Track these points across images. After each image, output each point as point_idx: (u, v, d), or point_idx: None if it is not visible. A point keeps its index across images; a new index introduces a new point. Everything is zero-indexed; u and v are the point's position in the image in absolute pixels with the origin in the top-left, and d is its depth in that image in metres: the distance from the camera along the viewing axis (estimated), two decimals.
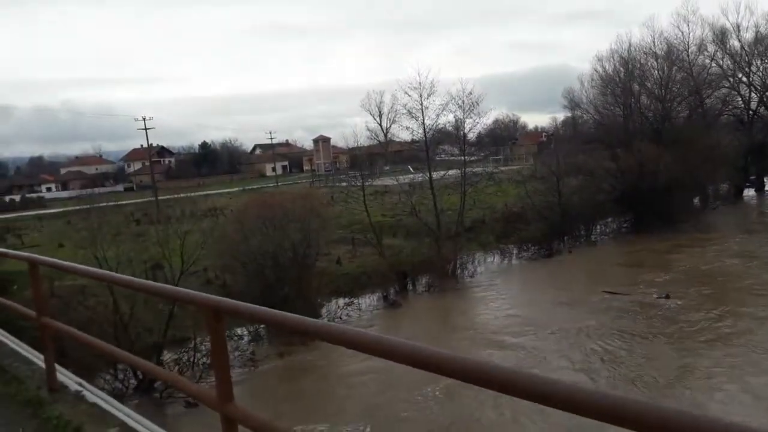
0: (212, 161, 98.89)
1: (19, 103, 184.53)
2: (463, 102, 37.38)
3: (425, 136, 37.13)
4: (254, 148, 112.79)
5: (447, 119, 38.97)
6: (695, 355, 17.73)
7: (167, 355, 17.27)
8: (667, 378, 16.24)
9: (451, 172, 37.30)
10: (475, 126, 40.46)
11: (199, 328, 16.38)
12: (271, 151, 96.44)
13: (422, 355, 1.85)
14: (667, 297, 23.66)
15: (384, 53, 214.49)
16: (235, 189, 64.99)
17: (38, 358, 5.79)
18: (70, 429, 4.01)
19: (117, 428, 3.96)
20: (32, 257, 4.98)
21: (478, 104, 37.55)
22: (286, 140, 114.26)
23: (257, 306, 2.89)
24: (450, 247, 30.43)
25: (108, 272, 5.28)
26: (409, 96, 36.25)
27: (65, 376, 5.04)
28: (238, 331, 20.29)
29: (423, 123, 36.51)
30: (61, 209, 50.84)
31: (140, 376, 15.52)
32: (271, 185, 63.81)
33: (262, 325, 20.00)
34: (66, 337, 5.03)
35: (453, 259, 30.05)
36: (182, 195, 41.34)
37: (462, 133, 39.52)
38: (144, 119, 67.56)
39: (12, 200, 69.24)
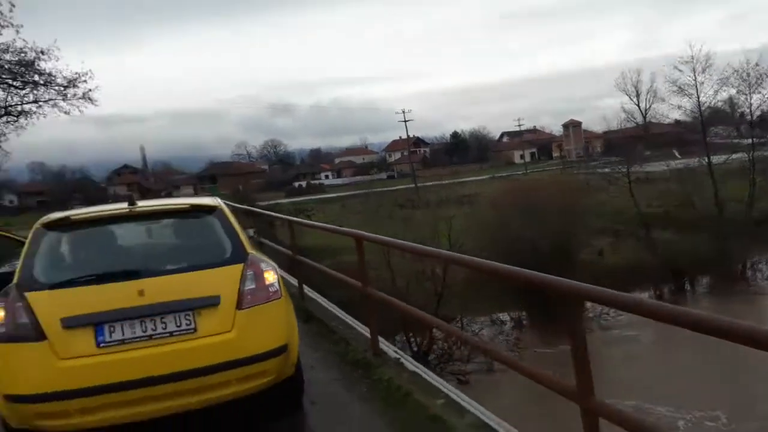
0: (463, 150, 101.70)
1: (300, 101, 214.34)
2: (749, 75, 31.98)
3: (701, 115, 32.75)
4: (502, 136, 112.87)
5: (723, 96, 34.02)
6: None
7: (436, 333, 18.08)
8: None
9: (734, 155, 32.18)
10: (764, 103, 34.49)
11: (466, 309, 16.85)
12: (519, 138, 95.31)
13: None
14: None
15: (638, 28, 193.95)
16: (485, 176, 65.73)
17: (354, 323, 6.45)
18: (400, 394, 4.29)
19: (443, 400, 4.10)
20: (358, 233, 5.47)
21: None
22: (534, 127, 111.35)
23: (622, 293, 2.65)
24: (738, 245, 26.16)
25: (441, 250, 5.54)
26: (680, 71, 32.38)
27: (383, 344, 5.46)
28: (501, 316, 20.46)
29: (698, 100, 32.18)
30: (336, 194, 58.00)
31: (415, 348, 16.65)
32: (520, 173, 63.09)
33: (523, 313, 19.88)
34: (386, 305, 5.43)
35: (743, 259, 25.80)
36: (444, 182, 43.40)
37: (748, 110, 34.00)
38: (404, 112, 72.83)
39: (300, 186, 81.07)
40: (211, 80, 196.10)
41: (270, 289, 3.93)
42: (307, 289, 8.07)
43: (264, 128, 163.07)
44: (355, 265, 5.28)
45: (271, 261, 4.22)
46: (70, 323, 3.50)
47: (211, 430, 4.09)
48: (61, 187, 77.56)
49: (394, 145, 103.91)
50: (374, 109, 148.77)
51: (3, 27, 13.38)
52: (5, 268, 5.49)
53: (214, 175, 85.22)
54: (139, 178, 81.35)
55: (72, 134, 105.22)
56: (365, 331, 5.94)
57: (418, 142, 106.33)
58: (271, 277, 3.98)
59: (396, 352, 5.37)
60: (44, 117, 15.21)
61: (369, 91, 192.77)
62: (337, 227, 6.47)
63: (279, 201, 51.29)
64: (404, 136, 79.40)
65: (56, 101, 14.93)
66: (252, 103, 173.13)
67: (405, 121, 72.65)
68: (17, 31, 13.68)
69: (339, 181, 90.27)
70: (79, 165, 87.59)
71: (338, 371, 5.10)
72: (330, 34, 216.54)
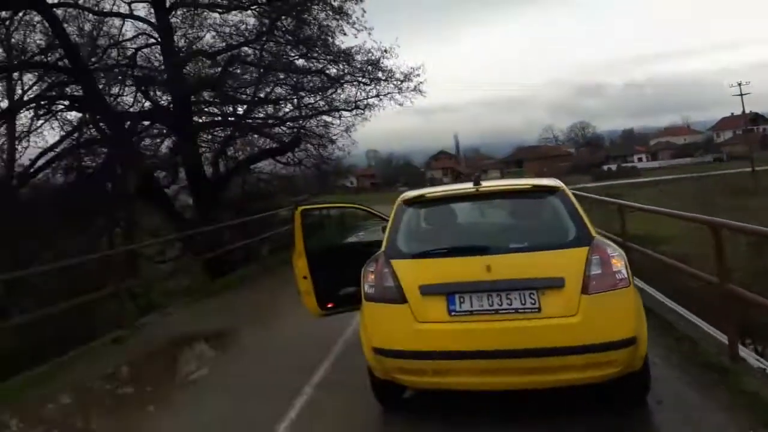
0: None
1: (611, 80, 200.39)
2: None
3: None
4: None
5: None
6: None
7: None
8: None
9: None
10: None
11: None
12: None
13: None
14: None
15: None
16: None
17: (698, 321, 5.74)
18: None
19: None
20: (715, 221, 4.79)
21: None
22: None
23: None
24: None
25: None
26: None
27: (742, 350, 4.72)
28: None
29: None
30: (650, 178, 52.67)
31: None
32: None
33: None
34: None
35: None
36: None
37: None
38: (739, 85, 62.01)
39: (609, 169, 76.26)
40: (519, 67, 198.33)
41: (617, 276, 3.72)
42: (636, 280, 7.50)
43: (571, 110, 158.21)
44: (683, 257, 4.65)
45: (618, 247, 3.99)
46: (427, 291, 3.86)
47: (554, 416, 4.04)
48: (388, 171, 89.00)
49: (724, 124, 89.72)
50: (698, 84, 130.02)
51: (359, 31, 15.20)
52: (352, 239, 6.34)
53: (519, 160, 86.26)
54: (453, 162, 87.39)
55: (399, 124, 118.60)
56: (713, 330, 5.26)
57: (757, 118, 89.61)
58: (618, 263, 3.76)
59: (760, 361, 4.58)
60: (383, 109, 17.06)
61: (691, 65, 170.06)
62: (687, 214, 5.77)
63: (585, 185, 49.02)
64: (737, 113, 67.75)
65: (393, 95, 16.60)
66: (560, 85, 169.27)
67: (741, 95, 61.91)
68: (369, 34, 15.38)
69: (654, 164, 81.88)
70: (404, 152, 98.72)
71: (683, 371, 4.59)
72: (643, 6, 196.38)
